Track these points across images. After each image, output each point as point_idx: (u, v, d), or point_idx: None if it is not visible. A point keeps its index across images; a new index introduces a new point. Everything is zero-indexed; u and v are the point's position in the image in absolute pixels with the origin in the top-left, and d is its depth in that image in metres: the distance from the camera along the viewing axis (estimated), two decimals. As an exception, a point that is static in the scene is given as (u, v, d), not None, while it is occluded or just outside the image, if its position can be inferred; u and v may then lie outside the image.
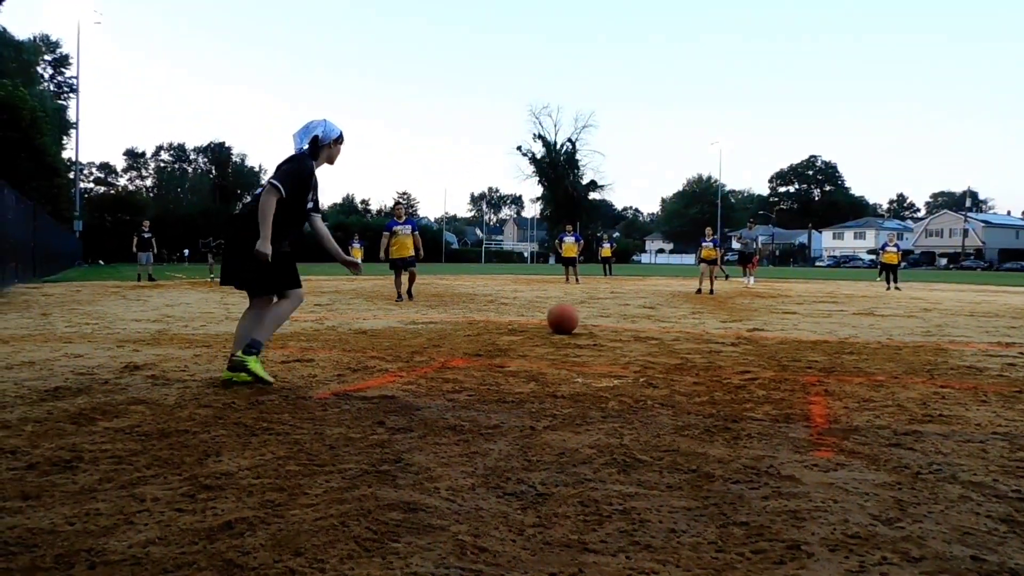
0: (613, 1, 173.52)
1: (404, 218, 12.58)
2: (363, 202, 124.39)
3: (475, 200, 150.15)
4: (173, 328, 7.67)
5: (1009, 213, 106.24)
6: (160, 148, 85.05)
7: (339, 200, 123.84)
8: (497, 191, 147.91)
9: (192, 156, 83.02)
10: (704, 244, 16.90)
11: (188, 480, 2.52)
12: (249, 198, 4.84)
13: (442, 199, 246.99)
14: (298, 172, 4.27)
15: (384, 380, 4.59)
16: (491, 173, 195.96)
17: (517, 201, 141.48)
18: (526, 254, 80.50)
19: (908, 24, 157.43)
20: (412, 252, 12.27)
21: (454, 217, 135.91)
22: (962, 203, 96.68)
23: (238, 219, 4.35)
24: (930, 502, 2.39)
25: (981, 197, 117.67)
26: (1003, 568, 1.88)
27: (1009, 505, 2.37)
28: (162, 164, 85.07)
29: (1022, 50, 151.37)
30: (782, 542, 2.03)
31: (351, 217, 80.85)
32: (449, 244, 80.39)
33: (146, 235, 20.34)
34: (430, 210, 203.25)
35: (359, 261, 4.86)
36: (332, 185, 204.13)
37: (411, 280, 12.48)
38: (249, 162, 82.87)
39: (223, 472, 2.61)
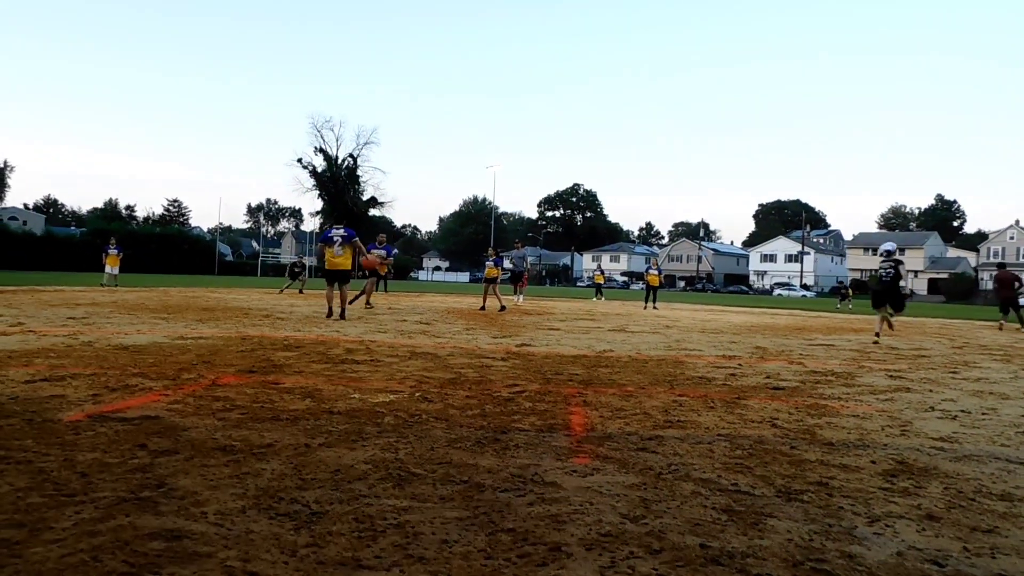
0: (397, 20, 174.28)
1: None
2: (128, 208, 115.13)
3: (252, 211, 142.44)
4: None
5: (732, 243, 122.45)
6: None
7: (100, 205, 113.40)
8: (276, 203, 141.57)
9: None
10: (487, 264, 17.94)
11: (-102, 522, 2.16)
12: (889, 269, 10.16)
13: (216, 208, 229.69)
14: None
15: (147, 399, 4.24)
16: (270, 185, 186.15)
17: (296, 214, 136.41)
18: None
19: (656, 69, 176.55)
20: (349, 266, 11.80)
21: (229, 228, 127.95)
22: (697, 233, 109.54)
23: (891, 280, 10.90)
24: (668, 499, 2.73)
25: (712, 228, 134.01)
26: (723, 552, 2.21)
27: (729, 497, 2.78)
28: None
29: (742, 98, 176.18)
30: (545, 545, 2.21)
31: (113, 223, 72.83)
32: (223, 256, 74.84)
33: None
34: (203, 220, 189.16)
35: None
36: (93, 189, 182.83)
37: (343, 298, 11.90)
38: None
39: (-56, 510, 2.27)
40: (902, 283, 11.26)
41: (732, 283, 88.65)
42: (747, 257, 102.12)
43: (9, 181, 71.80)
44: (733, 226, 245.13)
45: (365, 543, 2.16)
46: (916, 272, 79.70)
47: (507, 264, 21.40)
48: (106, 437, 3.29)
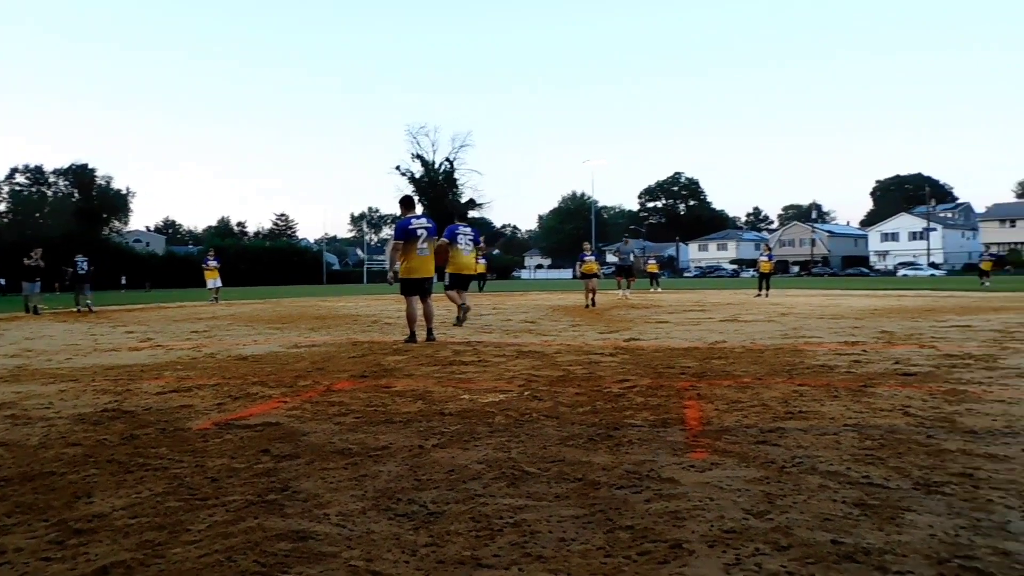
0: (482, 24, 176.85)
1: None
2: (239, 224, 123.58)
3: (355, 220, 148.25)
4: (34, 363, 7.03)
5: (848, 223, 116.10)
6: (15, 171, 77.20)
7: (214, 223, 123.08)
8: (377, 211, 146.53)
9: (52, 179, 76.44)
10: (585, 259, 17.39)
11: (56, 526, 2.35)
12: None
13: (321, 220, 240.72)
14: None
15: (268, 407, 4.44)
16: (370, 193, 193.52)
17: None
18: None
19: (754, 55, 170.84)
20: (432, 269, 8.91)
21: (334, 238, 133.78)
22: (809, 215, 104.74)
23: None
24: (794, 493, 2.59)
25: (825, 209, 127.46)
26: (858, 548, 2.07)
27: (861, 490, 2.61)
28: (17, 188, 77.36)
29: (851, 72, 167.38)
30: (665, 542, 2.14)
31: (227, 240, 78.88)
32: (330, 265, 78.72)
33: (33, 263, 18.08)
34: (310, 231, 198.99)
35: None
36: (208, 210, 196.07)
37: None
38: (116, 184, 77.93)
39: (96, 514, 2.45)
40: None
41: (850, 265, 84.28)
42: (866, 237, 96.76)
43: (132, 206, 78.18)
44: (848, 206, 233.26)
45: (483, 542, 2.16)
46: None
47: (611, 258, 21.16)
48: (232, 444, 3.46)
